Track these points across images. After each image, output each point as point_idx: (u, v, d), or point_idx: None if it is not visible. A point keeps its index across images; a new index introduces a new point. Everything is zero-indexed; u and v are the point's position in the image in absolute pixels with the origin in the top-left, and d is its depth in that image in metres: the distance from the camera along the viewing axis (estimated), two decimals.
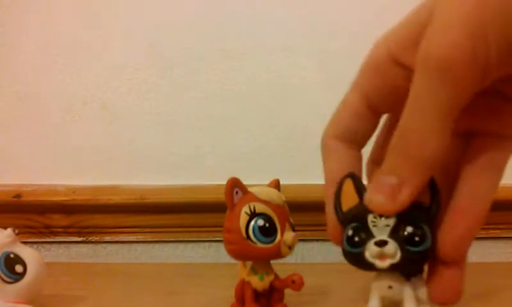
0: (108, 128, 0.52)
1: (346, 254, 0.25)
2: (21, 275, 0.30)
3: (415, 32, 0.21)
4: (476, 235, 0.26)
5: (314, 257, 0.50)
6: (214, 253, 0.53)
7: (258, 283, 0.28)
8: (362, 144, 0.26)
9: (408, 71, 0.22)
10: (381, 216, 0.24)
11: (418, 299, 0.26)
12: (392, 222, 0.24)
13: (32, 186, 0.51)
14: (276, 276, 0.29)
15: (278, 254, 0.26)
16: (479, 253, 0.52)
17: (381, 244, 0.23)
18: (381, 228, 0.24)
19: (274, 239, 0.26)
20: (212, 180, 0.50)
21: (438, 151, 0.21)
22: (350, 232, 0.24)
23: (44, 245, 0.52)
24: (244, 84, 0.52)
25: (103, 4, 0.52)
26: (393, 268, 0.24)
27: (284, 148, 0.51)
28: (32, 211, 0.51)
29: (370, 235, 0.24)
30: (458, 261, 0.25)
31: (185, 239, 0.52)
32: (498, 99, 0.23)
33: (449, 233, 0.25)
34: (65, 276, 0.42)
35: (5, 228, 0.31)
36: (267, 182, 0.32)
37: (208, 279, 0.42)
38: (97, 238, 0.52)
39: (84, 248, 0.52)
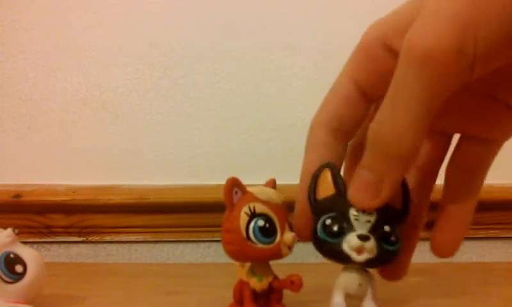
0: (108, 128, 0.52)
1: (320, 242, 0.25)
2: (21, 275, 0.30)
3: (407, 19, 0.20)
4: (466, 232, 0.26)
5: (312, 257, 0.50)
6: (214, 253, 0.53)
7: (257, 284, 0.28)
8: (350, 133, 0.25)
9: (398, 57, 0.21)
10: (364, 211, 0.24)
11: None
12: (373, 218, 0.24)
13: (32, 186, 0.51)
14: (275, 277, 0.29)
15: (278, 255, 0.26)
16: (479, 253, 0.52)
17: (364, 238, 0.24)
18: (362, 223, 0.24)
19: (274, 239, 0.26)
20: (212, 180, 0.50)
21: (414, 149, 0.20)
22: (328, 221, 0.24)
23: (44, 245, 0.52)
24: (244, 84, 0.52)
25: (103, 4, 0.52)
26: (367, 263, 0.24)
27: (284, 148, 0.52)
28: (32, 211, 0.51)
29: (350, 228, 0.24)
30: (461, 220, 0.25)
31: (185, 239, 0.52)
32: (488, 102, 0.23)
33: (440, 237, 0.26)
34: (65, 276, 0.42)
35: (5, 228, 0.31)
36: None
37: (208, 279, 0.42)
38: (97, 238, 0.52)
39: (84, 248, 0.52)
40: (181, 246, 0.53)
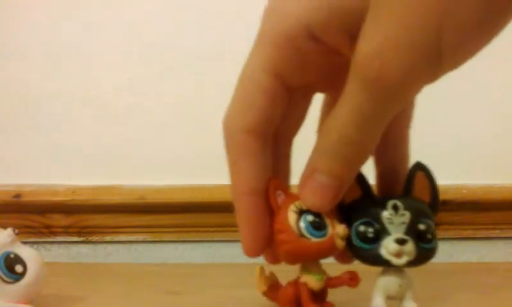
0: (108, 128, 0.52)
1: (356, 249, 0.24)
2: (21, 275, 0.30)
3: (337, 14, 0.20)
4: None
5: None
6: (214, 253, 0.53)
7: (317, 283, 0.27)
8: (273, 132, 0.24)
9: (327, 47, 0.21)
10: (396, 212, 0.24)
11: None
12: (407, 219, 0.24)
13: (32, 186, 0.51)
14: (328, 275, 0.28)
15: (334, 248, 0.25)
16: (479, 253, 0.52)
17: (402, 241, 0.23)
18: (397, 225, 0.24)
19: (327, 233, 0.25)
20: (212, 180, 0.50)
21: (371, 153, 0.21)
22: (362, 228, 0.24)
23: (44, 245, 0.52)
24: None
25: (103, 4, 0.52)
26: (408, 265, 0.24)
27: None
28: (32, 211, 0.51)
29: (385, 232, 0.24)
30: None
31: (185, 239, 0.52)
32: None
33: None
34: (65, 276, 0.42)
35: (5, 228, 0.31)
36: None
37: (208, 279, 0.42)
38: (97, 238, 0.52)
39: (84, 248, 0.52)
40: (181, 246, 0.53)
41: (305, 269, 0.27)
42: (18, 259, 0.30)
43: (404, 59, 0.18)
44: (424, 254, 0.24)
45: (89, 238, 0.52)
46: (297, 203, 0.25)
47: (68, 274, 0.43)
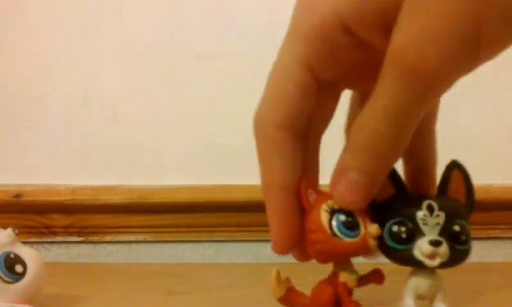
0: (108, 128, 0.52)
1: (389, 249, 0.24)
2: (21, 275, 0.30)
3: (371, 5, 0.19)
4: None
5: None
6: (214, 253, 0.53)
7: (354, 281, 0.26)
8: (304, 127, 0.23)
9: (360, 40, 0.21)
10: (431, 213, 0.24)
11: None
12: (441, 220, 0.23)
13: (32, 186, 0.51)
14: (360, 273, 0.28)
15: (367, 248, 0.25)
16: (479, 253, 0.52)
17: (436, 243, 0.23)
18: (431, 226, 0.23)
19: (359, 233, 0.24)
20: (212, 180, 0.50)
21: (404, 149, 0.21)
22: (395, 227, 0.24)
23: (44, 245, 0.52)
24: (244, 84, 0.52)
25: (103, 4, 0.52)
26: (441, 267, 0.24)
27: None
28: (32, 211, 0.51)
29: (419, 233, 0.23)
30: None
31: (185, 239, 0.52)
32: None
33: None
34: (65, 276, 0.42)
35: (5, 228, 0.31)
36: None
37: (208, 279, 0.42)
38: (97, 238, 0.52)
39: (84, 248, 0.52)
40: (181, 246, 0.53)
41: (342, 268, 0.27)
42: (18, 259, 0.30)
43: (441, 49, 0.17)
44: (457, 255, 0.24)
45: (89, 238, 0.52)
46: (329, 202, 0.25)
47: (68, 274, 0.43)
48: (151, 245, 0.53)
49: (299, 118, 0.23)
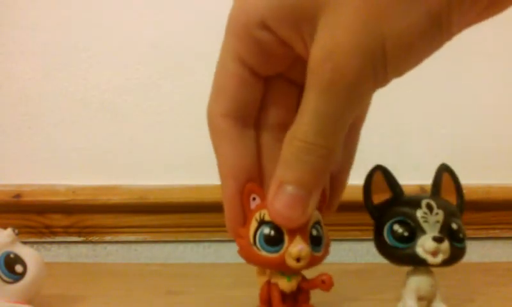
0: (108, 128, 0.52)
1: (390, 248, 0.24)
2: (21, 275, 0.30)
3: (288, 9, 0.20)
4: None
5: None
6: (214, 253, 0.53)
7: (286, 284, 0.27)
8: (252, 117, 0.25)
9: (282, 39, 0.21)
10: (430, 211, 0.24)
11: None
12: (441, 218, 0.24)
13: (32, 186, 0.51)
14: (303, 277, 0.28)
15: (283, 266, 0.25)
16: (479, 253, 0.52)
17: (439, 240, 0.23)
18: (432, 224, 0.24)
19: (279, 249, 0.25)
20: (212, 180, 0.50)
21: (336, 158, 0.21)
22: (396, 226, 0.24)
23: (44, 245, 0.52)
24: None
25: (103, 4, 0.52)
26: (442, 265, 0.24)
27: None
28: (32, 211, 0.51)
29: (421, 231, 0.24)
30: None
31: (185, 239, 0.52)
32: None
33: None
34: (65, 276, 0.42)
35: (5, 228, 0.31)
36: None
37: (208, 279, 0.42)
38: (97, 238, 0.52)
39: (84, 248, 0.52)
40: (181, 246, 0.53)
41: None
42: (18, 259, 0.30)
43: (353, 63, 0.18)
44: (456, 253, 0.24)
45: (89, 238, 0.52)
46: (263, 211, 0.25)
47: (68, 274, 0.43)
48: (151, 245, 0.53)
49: (241, 108, 0.23)
